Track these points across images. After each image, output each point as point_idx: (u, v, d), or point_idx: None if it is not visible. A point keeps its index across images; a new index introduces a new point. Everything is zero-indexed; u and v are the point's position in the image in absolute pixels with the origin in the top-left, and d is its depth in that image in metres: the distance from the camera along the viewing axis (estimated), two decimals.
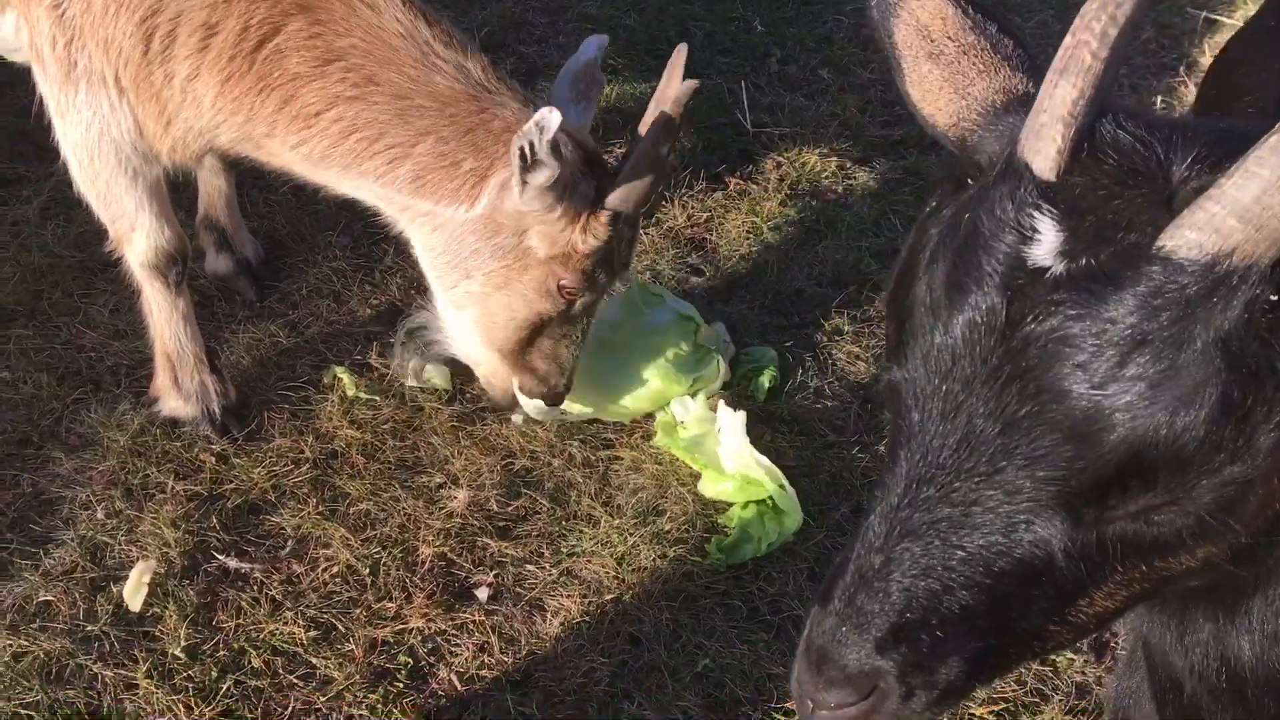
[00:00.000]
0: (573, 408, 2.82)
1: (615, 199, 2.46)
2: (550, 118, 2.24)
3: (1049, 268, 1.07)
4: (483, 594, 2.54)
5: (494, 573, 2.57)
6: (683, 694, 2.35)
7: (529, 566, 2.59)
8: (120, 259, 2.72)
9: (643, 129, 2.49)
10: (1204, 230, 1.01)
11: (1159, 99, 3.97)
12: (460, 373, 2.96)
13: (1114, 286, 1.04)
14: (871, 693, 1.18)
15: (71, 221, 3.29)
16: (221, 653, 2.38)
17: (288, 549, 2.58)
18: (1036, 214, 1.09)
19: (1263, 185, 0.99)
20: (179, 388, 2.73)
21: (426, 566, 2.57)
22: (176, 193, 2.78)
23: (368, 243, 3.33)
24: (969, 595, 1.14)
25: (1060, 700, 2.33)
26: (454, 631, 2.46)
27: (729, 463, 2.68)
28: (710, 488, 2.71)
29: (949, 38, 1.29)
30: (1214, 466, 1.03)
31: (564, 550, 2.62)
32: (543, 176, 2.33)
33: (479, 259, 2.49)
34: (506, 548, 2.62)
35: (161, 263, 2.62)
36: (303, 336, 3.07)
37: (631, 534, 2.64)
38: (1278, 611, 1.24)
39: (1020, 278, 1.08)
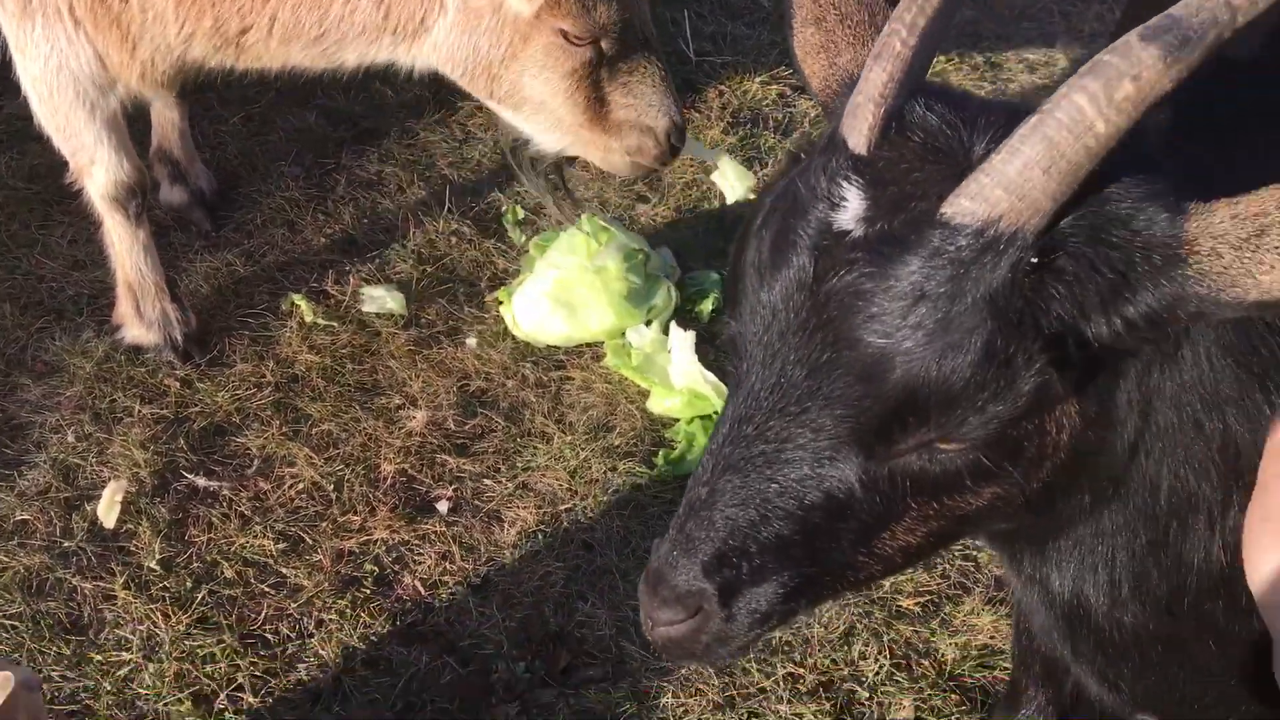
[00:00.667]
0: (535, 340, 2.95)
1: None
2: None
3: (850, 231, 1.19)
4: (443, 507, 2.67)
5: (453, 487, 2.71)
6: (632, 594, 2.51)
7: (486, 481, 2.73)
8: (79, 191, 2.78)
9: None
10: (976, 199, 1.13)
11: (1088, 26, 4.11)
12: (415, 298, 3.07)
13: (901, 248, 1.16)
14: (698, 612, 1.31)
15: (25, 154, 3.33)
16: (195, 565, 2.51)
17: (254, 468, 2.70)
18: (845, 184, 1.20)
19: (1024, 161, 1.11)
20: (141, 316, 2.82)
21: (388, 482, 2.70)
22: (130, 126, 2.83)
23: (319, 173, 3.40)
24: (784, 525, 1.26)
25: (980, 592, 2.52)
26: (416, 541, 2.60)
27: (677, 379, 2.83)
28: (658, 404, 2.85)
29: (832, 5, 1.40)
30: (978, 404, 1.16)
31: (519, 465, 2.76)
32: None
33: (482, 54, 2.46)
34: (464, 464, 2.75)
35: (121, 195, 2.68)
36: (259, 265, 3.15)
37: (583, 449, 2.78)
38: (1077, 551, 1.40)
39: (827, 240, 1.20)
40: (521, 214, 3.29)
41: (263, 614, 2.44)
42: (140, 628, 2.38)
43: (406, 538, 2.60)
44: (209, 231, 3.20)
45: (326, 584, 2.50)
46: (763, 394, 1.24)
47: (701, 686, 2.37)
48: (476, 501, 2.69)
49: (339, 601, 2.47)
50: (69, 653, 2.34)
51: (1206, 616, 1.43)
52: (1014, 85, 3.83)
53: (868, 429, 1.20)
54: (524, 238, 3.24)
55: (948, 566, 2.56)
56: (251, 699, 2.30)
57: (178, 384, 2.83)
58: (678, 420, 2.84)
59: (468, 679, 2.37)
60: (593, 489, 2.71)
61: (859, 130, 1.22)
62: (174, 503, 2.60)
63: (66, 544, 2.50)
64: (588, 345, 3.01)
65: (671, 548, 1.31)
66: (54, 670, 2.32)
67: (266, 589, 2.48)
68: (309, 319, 3.00)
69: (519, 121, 2.65)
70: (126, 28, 2.43)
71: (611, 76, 2.53)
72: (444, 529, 2.62)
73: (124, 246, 2.77)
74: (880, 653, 2.40)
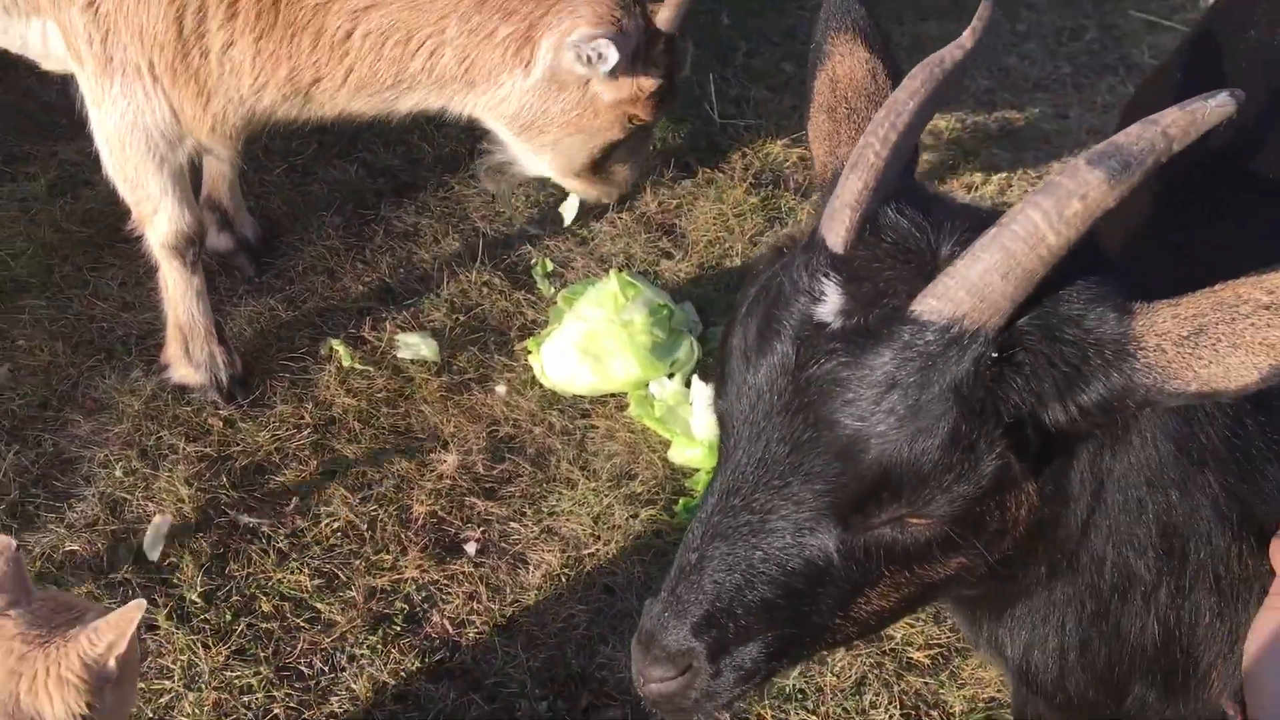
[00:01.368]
0: (562, 389, 3.08)
1: (666, 21, 2.61)
2: (609, 53, 2.44)
3: (829, 323, 1.31)
4: (471, 548, 2.78)
5: (481, 529, 2.82)
6: None
7: (513, 524, 2.84)
8: (131, 235, 2.92)
9: None
10: (942, 299, 1.25)
11: (1100, 98, 4.25)
12: (447, 346, 3.20)
13: (875, 341, 1.28)
14: (687, 670, 1.41)
15: (78, 199, 3.48)
16: (234, 598, 2.62)
17: (292, 506, 2.81)
18: (825, 280, 1.33)
19: (985, 266, 1.23)
20: (189, 357, 2.95)
21: (419, 523, 2.81)
22: None
23: (358, 223, 3.55)
24: (767, 589, 1.37)
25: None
26: (445, 581, 2.70)
27: (698, 431, 2.94)
28: (679, 454, 2.96)
29: (845, 99, 1.53)
30: (945, 484, 1.28)
31: (544, 510, 2.87)
32: (603, 72, 2.52)
33: (549, 117, 2.65)
34: (492, 507, 2.86)
35: (180, 243, 2.82)
36: (300, 310, 3.28)
37: (606, 495, 2.89)
38: (1030, 619, 1.51)
39: (808, 330, 1.32)
40: (550, 266, 3.42)
41: (298, 647, 2.54)
42: (181, 658, 2.49)
43: (436, 577, 2.71)
44: (252, 277, 3.34)
45: (359, 620, 2.60)
46: (749, 468, 1.34)
47: None
48: (503, 544, 2.80)
49: (370, 637, 2.57)
50: None
51: (1137, 695, 1.54)
52: (1027, 155, 3.96)
53: (845, 503, 1.31)
54: (552, 290, 3.37)
55: (955, 618, 2.65)
56: None
57: (221, 423, 2.96)
58: (698, 470, 2.95)
59: (492, 716, 2.47)
60: (615, 534, 2.81)
61: (837, 231, 1.34)
62: (215, 538, 2.72)
63: (113, 575, 2.62)
64: (612, 395, 3.13)
65: (663, 609, 1.41)
66: None
67: (302, 623, 2.59)
68: (347, 363, 3.13)
69: (527, 162, 2.88)
70: (203, 82, 2.55)
71: (625, 144, 2.80)
72: (472, 570, 2.73)
73: (178, 291, 2.90)
74: (890, 703, 2.49)
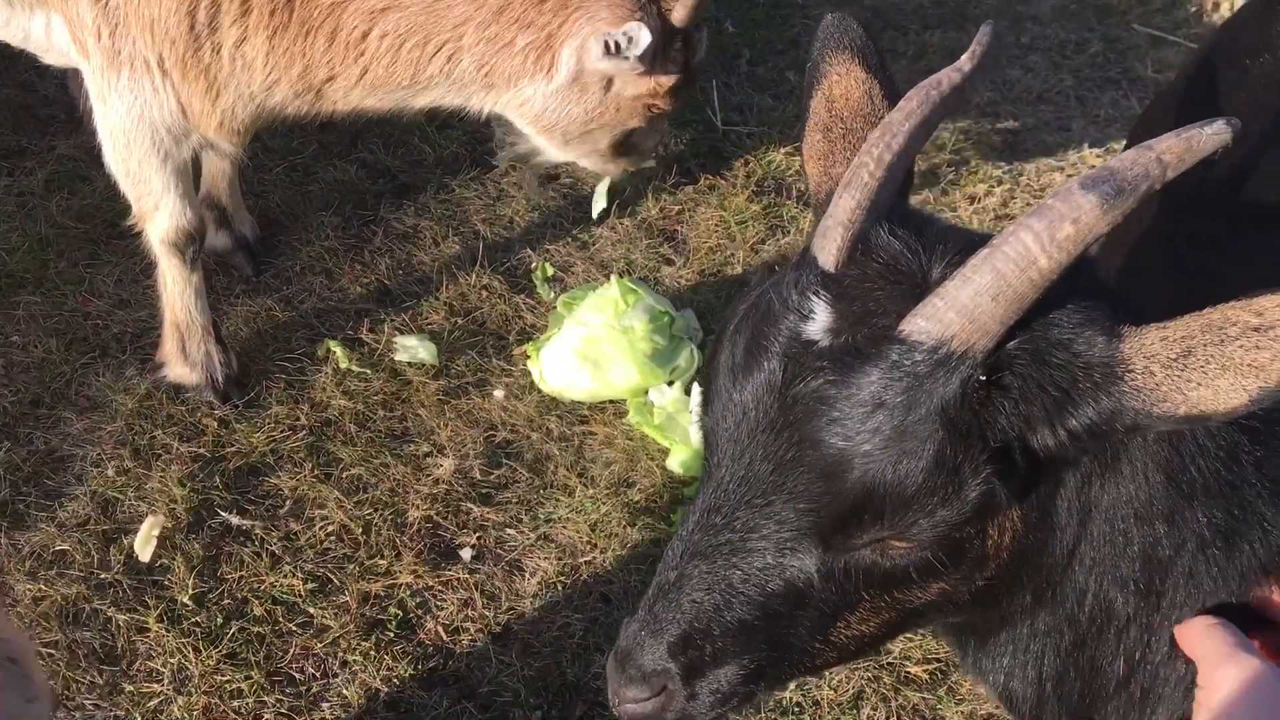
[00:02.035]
0: (561, 395, 3.05)
1: (681, 19, 2.63)
2: (640, 35, 2.47)
3: (817, 341, 1.30)
4: (466, 554, 2.76)
5: (477, 535, 2.79)
6: None
7: (509, 530, 2.81)
8: (128, 231, 2.89)
9: None
10: (931, 319, 1.24)
11: (1103, 111, 4.24)
12: (446, 349, 3.17)
13: (863, 360, 1.26)
14: (662, 691, 1.39)
15: (75, 194, 3.45)
16: (226, 601, 2.59)
17: (286, 508, 2.79)
18: (814, 298, 1.31)
19: (975, 288, 1.22)
20: (185, 356, 2.92)
21: (415, 528, 2.79)
22: None
23: (358, 224, 3.52)
24: (746, 610, 1.35)
25: None
26: (440, 587, 2.68)
27: (697, 439, 2.92)
28: (678, 462, 2.94)
29: (840, 119, 1.52)
30: (928, 508, 1.26)
31: (541, 516, 2.84)
32: (630, 61, 2.55)
33: (573, 116, 2.69)
34: (488, 513, 2.84)
35: (181, 240, 2.80)
36: (297, 311, 3.26)
37: (604, 503, 2.87)
38: (1012, 647, 1.49)
39: (795, 348, 1.30)
40: (550, 271, 3.40)
41: (289, 652, 2.51)
42: (171, 661, 2.46)
43: (430, 583, 2.68)
44: (250, 276, 3.31)
45: (352, 625, 2.57)
46: (731, 486, 1.32)
47: None
48: (499, 550, 2.77)
49: (363, 643, 2.55)
50: (102, 682, 2.42)
51: None
52: (1030, 167, 3.95)
53: (827, 523, 1.29)
54: (552, 294, 3.35)
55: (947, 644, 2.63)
56: None
57: (215, 424, 2.93)
58: (696, 479, 2.93)
59: None
60: (612, 543, 2.79)
61: (828, 250, 1.33)
62: (208, 539, 2.69)
63: (103, 575, 2.59)
64: (611, 402, 3.11)
65: (640, 628, 1.39)
66: (87, 699, 2.39)
67: (294, 628, 2.56)
68: (343, 365, 3.10)
69: (553, 154, 2.89)
70: (214, 77, 2.53)
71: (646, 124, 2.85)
72: (467, 576, 2.70)
73: (177, 289, 2.87)
74: (888, 717, 2.47)
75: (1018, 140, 4.07)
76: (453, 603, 2.65)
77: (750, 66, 4.23)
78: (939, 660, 2.58)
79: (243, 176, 3.48)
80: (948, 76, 1.36)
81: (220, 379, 2.94)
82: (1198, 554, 1.37)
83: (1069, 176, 3.94)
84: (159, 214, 2.76)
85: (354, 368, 3.11)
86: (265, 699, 2.43)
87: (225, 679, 2.45)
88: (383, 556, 2.72)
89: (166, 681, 2.43)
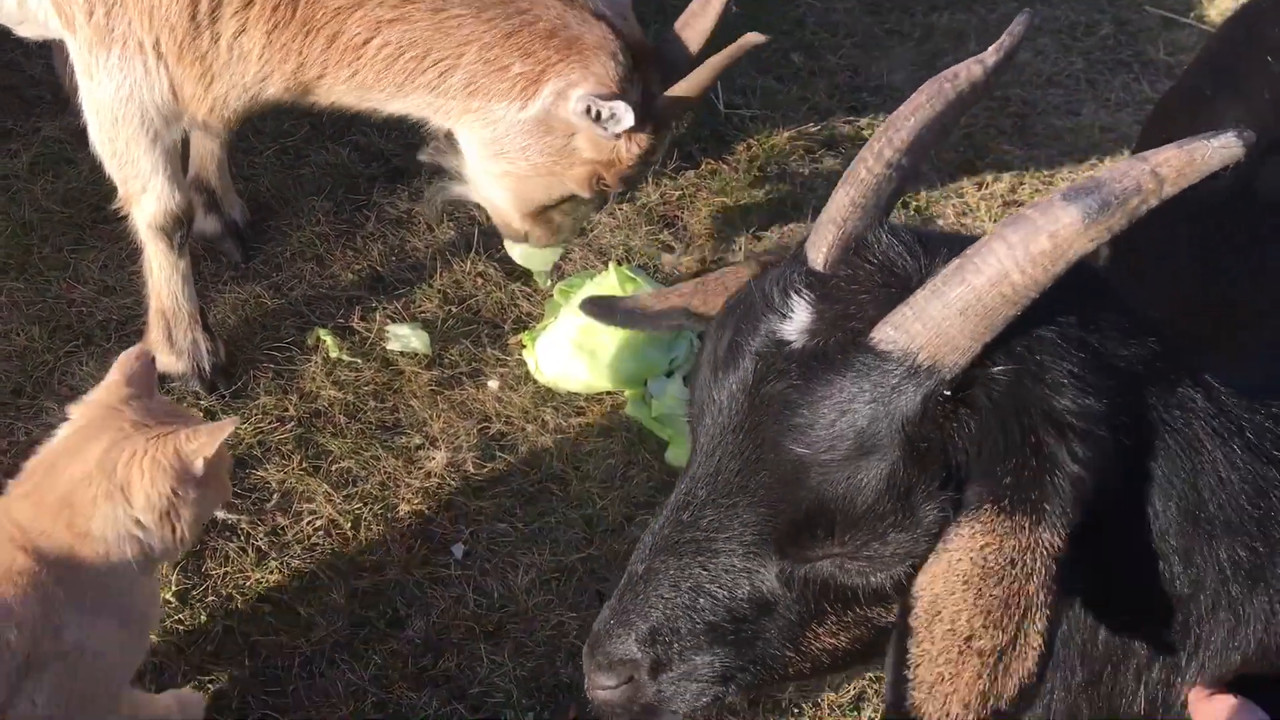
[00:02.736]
0: (557, 385, 2.97)
1: (663, 113, 2.61)
2: (625, 117, 2.48)
3: (791, 342, 1.25)
4: (458, 550, 2.68)
5: (469, 530, 2.72)
6: None
7: (501, 525, 2.74)
8: (113, 216, 2.81)
9: (687, 32, 2.65)
10: (899, 329, 1.18)
11: (1114, 95, 4.15)
12: (439, 338, 3.09)
13: (828, 366, 1.21)
14: (629, 680, 1.37)
15: (60, 177, 3.37)
16: (210, 598, 2.52)
17: (273, 502, 2.71)
18: (796, 296, 1.26)
19: (944, 300, 1.15)
20: (171, 344, 2.84)
21: (405, 523, 2.72)
22: None
23: (350, 209, 3.44)
24: (711, 611, 1.32)
25: None
26: (431, 584, 2.61)
27: None
28: (677, 456, 2.86)
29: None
30: (879, 530, 1.20)
31: (535, 511, 2.77)
32: (605, 132, 2.54)
33: (527, 153, 2.65)
34: (482, 507, 2.76)
35: (168, 224, 2.71)
36: (287, 298, 3.18)
37: (600, 498, 2.79)
38: None
39: (769, 347, 1.25)
40: None
41: (276, 651, 2.44)
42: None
43: (421, 579, 2.61)
44: (239, 263, 3.23)
45: (340, 623, 2.50)
46: (701, 483, 1.30)
47: None
48: (492, 546, 2.70)
49: (351, 641, 2.48)
50: None
51: None
52: (1039, 152, 3.86)
53: (783, 531, 1.25)
54: (549, 282, 3.26)
55: None
56: None
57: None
58: None
59: None
60: (608, 538, 2.71)
61: (819, 248, 1.29)
62: None
63: None
64: (608, 393, 3.03)
65: (610, 616, 1.39)
66: None
67: (280, 626, 2.49)
68: (334, 354, 3.03)
69: (483, 185, 2.84)
70: (209, 65, 2.49)
71: (578, 201, 2.83)
72: (459, 572, 2.63)
73: (163, 275, 2.79)
74: None
75: (1026, 124, 3.98)
76: (444, 600, 2.57)
77: (754, 48, 4.13)
78: None
79: (232, 160, 3.39)
80: (967, 70, 1.28)
81: (207, 368, 2.86)
82: (1220, 591, 1.28)
83: (1078, 162, 3.85)
84: (146, 197, 2.68)
85: (344, 357, 3.03)
86: (250, 699, 2.36)
87: (209, 678, 2.38)
88: (372, 552, 2.64)
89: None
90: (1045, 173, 3.79)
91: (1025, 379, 1.17)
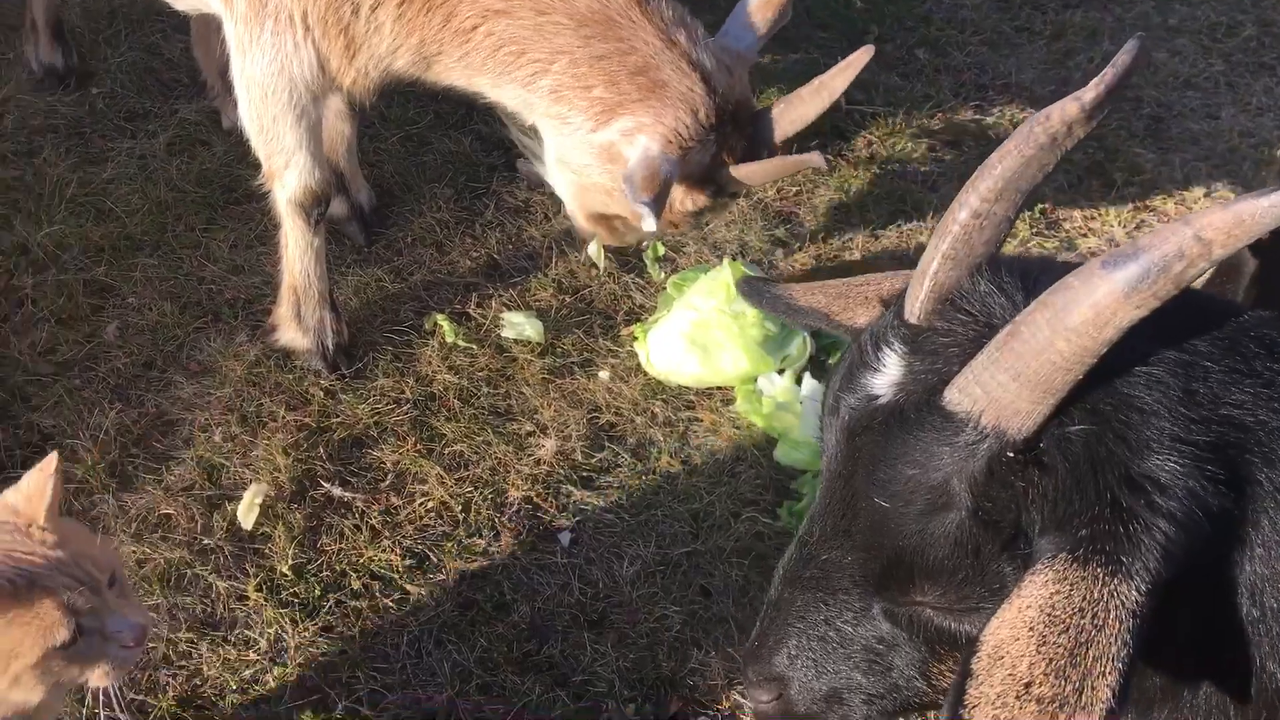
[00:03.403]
0: (667, 379, 2.97)
1: (725, 182, 2.61)
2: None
3: (879, 396, 1.26)
4: (565, 538, 2.70)
5: (576, 519, 2.73)
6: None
7: (609, 516, 2.74)
8: (265, 193, 2.87)
9: (787, 112, 2.67)
10: (963, 392, 1.18)
11: (1255, 99, 3.97)
12: (552, 327, 3.12)
13: (905, 425, 1.22)
14: (779, 698, 1.44)
15: (195, 158, 3.48)
16: (324, 573, 2.58)
17: (387, 482, 2.77)
18: (888, 350, 1.28)
19: (997, 367, 1.14)
20: (299, 320, 2.91)
21: (514, 508, 2.74)
22: None
23: (470, 196, 3.49)
24: (838, 639, 1.37)
25: None
26: (537, 570, 2.63)
27: (807, 431, 2.81)
28: (786, 454, 2.84)
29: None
30: (955, 582, 1.21)
31: (642, 503, 2.77)
32: (632, 201, 2.58)
33: (589, 172, 2.73)
34: (589, 497, 2.78)
35: (307, 201, 2.79)
36: (407, 283, 3.23)
37: (707, 492, 2.78)
38: None
39: (862, 400, 1.28)
40: (662, 251, 3.32)
41: (385, 628, 2.49)
42: (269, 630, 2.46)
43: (528, 565, 2.63)
44: (362, 246, 3.30)
45: (448, 604, 2.54)
46: (817, 522, 1.36)
47: None
48: (598, 535, 2.71)
49: (459, 623, 2.51)
50: (201, 648, 2.42)
51: None
52: (1174, 156, 3.72)
53: (876, 575, 1.30)
54: (662, 275, 3.26)
55: None
56: (368, 711, 2.35)
57: (322, 394, 2.92)
58: (804, 472, 2.82)
59: (577, 715, 2.38)
60: (714, 534, 2.70)
61: (914, 299, 1.29)
62: (309, 510, 2.68)
63: (206, 541, 2.60)
64: (718, 388, 3.01)
65: (756, 637, 1.46)
66: (183, 665, 2.40)
67: (390, 604, 2.54)
68: (450, 339, 3.07)
69: (555, 181, 2.93)
70: (352, 37, 2.58)
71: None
72: (565, 560, 2.65)
73: (298, 251, 2.87)
74: None
75: (1161, 127, 3.84)
76: (549, 586, 2.59)
77: (878, 43, 4.04)
78: None
79: (359, 145, 3.46)
80: (1061, 111, 1.25)
81: (331, 346, 2.93)
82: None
83: (1216, 167, 3.70)
84: (289, 172, 2.75)
85: (460, 343, 3.07)
86: (359, 674, 2.41)
87: (320, 652, 2.44)
88: (481, 536, 2.68)
89: (263, 651, 2.43)
90: (1179, 177, 3.65)
91: (1106, 438, 1.14)
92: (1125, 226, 3.49)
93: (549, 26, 2.56)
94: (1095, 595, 1.11)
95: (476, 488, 2.77)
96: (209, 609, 2.49)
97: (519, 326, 3.11)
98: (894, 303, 1.34)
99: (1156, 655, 1.25)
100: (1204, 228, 1.06)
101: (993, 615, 1.18)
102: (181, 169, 3.45)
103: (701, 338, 2.97)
